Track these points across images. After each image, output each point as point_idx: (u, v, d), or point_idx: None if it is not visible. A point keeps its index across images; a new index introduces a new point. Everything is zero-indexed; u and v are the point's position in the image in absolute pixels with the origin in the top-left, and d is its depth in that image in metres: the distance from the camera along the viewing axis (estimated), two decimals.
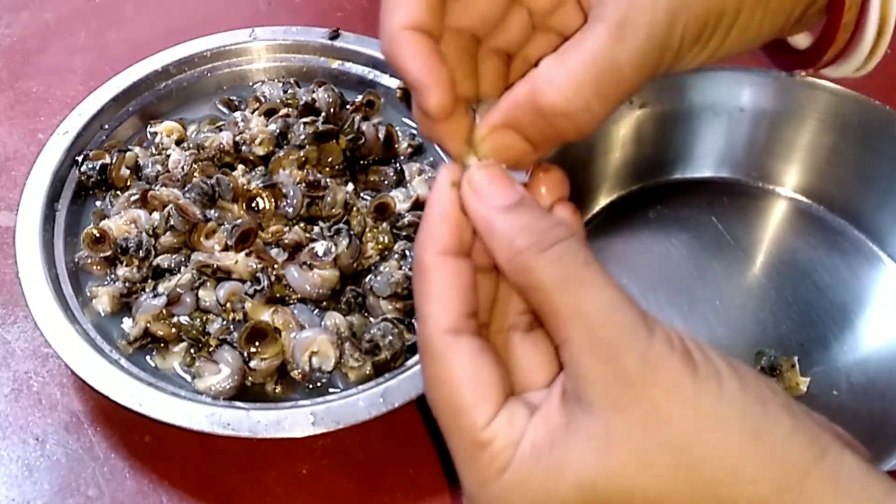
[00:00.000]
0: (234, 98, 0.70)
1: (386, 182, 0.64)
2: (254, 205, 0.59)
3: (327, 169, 0.62)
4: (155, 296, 0.55)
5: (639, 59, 0.28)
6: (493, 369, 0.28)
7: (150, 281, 0.56)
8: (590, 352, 0.26)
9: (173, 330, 0.54)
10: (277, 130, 0.63)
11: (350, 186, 0.62)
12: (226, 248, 0.57)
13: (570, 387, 0.27)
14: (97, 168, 0.62)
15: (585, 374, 0.26)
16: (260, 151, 0.62)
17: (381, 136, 0.65)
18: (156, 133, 0.65)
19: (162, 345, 0.54)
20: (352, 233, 0.57)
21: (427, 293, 0.29)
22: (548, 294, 0.27)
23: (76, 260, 0.58)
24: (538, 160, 0.32)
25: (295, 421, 0.48)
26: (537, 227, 0.28)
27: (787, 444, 0.25)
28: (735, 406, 0.26)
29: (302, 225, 0.59)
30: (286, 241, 0.56)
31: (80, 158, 0.62)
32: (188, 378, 0.53)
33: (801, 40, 0.35)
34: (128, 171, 0.62)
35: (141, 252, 0.56)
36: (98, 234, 0.57)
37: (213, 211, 0.58)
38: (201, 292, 0.55)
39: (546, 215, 0.29)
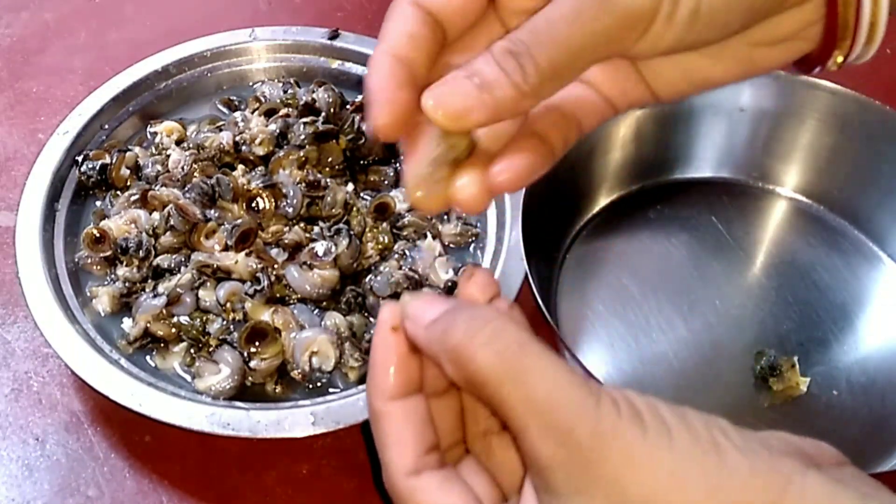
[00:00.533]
0: (234, 98, 0.70)
1: (386, 182, 0.64)
2: (254, 205, 0.59)
3: (327, 169, 0.62)
4: (155, 296, 0.55)
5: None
6: (461, 496, 0.29)
7: (150, 281, 0.56)
8: (544, 438, 0.26)
9: (173, 330, 0.54)
10: (277, 130, 0.63)
11: (350, 186, 0.62)
12: (226, 248, 0.57)
13: (536, 481, 0.28)
14: (97, 168, 0.62)
15: (544, 463, 0.26)
16: (260, 151, 0.62)
17: None
18: (156, 133, 0.65)
19: (162, 345, 0.54)
20: (352, 233, 0.57)
21: (383, 441, 0.30)
22: (493, 387, 0.27)
23: (76, 260, 0.58)
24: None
25: (295, 421, 0.48)
26: (464, 318, 0.28)
27: (748, 488, 0.25)
28: (690, 460, 0.26)
29: (302, 225, 0.59)
30: (286, 241, 0.56)
31: (80, 158, 0.62)
32: (188, 378, 0.53)
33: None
34: (128, 171, 0.62)
35: (141, 252, 0.56)
36: (98, 234, 0.57)
37: (213, 211, 0.58)
38: (201, 292, 0.55)
39: (472, 306, 0.30)
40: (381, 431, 0.31)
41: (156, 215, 0.59)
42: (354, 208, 0.60)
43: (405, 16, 0.31)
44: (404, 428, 0.30)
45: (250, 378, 0.53)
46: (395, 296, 0.55)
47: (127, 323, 0.55)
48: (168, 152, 0.63)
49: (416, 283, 0.56)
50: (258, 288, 0.55)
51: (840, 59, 0.32)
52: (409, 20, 0.31)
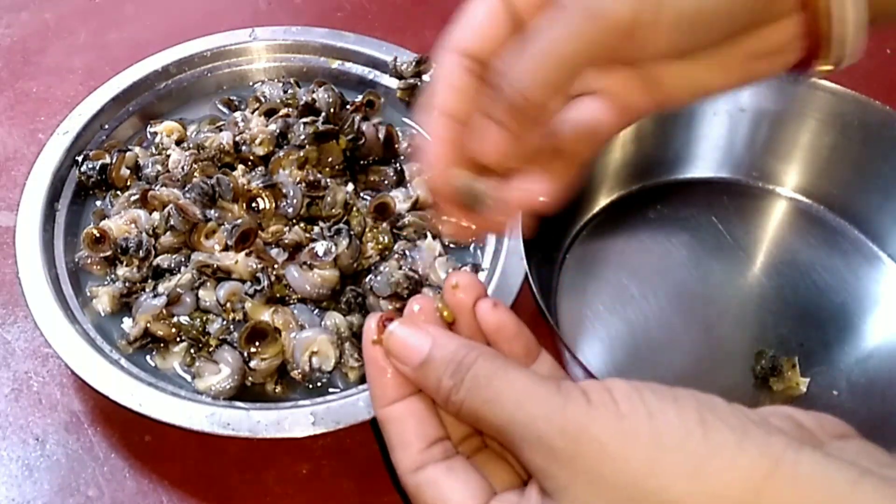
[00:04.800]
0: (234, 98, 0.70)
1: (386, 182, 0.64)
2: (254, 205, 0.59)
3: (327, 169, 0.62)
4: (155, 296, 0.55)
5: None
6: (465, 483, 0.31)
7: (150, 281, 0.56)
8: (528, 449, 0.28)
9: (173, 330, 0.54)
10: (277, 130, 0.63)
11: (350, 186, 0.62)
12: (226, 248, 0.57)
13: (536, 484, 0.29)
14: (97, 168, 0.62)
15: (533, 470, 0.29)
16: (260, 151, 0.62)
17: (381, 136, 0.65)
18: (156, 133, 0.65)
19: (162, 345, 0.54)
20: (352, 233, 0.57)
21: (390, 444, 0.33)
22: (483, 420, 0.30)
23: (76, 260, 0.58)
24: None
25: (295, 421, 0.48)
26: (449, 371, 0.31)
27: (734, 467, 0.26)
28: (670, 443, 0.26)
29: (302, 225, 0.59)
30: (286, 241, 0.56)
31: (80, 158, 0.62)
32: (188, 378, 0.53)
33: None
34: (128, 171, 0.62)
35: (141, 252, 0.56)
36: (98, 234, 0.57)
37: (213, 211, 0.58)
38: (201, 292, 0.55)
39: (455, 352, 0.31)
40: (386, 435, 0.33)
41: (156, 215, 0.59)
42: (354, 208, 0.60)
43: (450, 68, 0.34)
44: (404, 428, 0.32)
45: (250, 378, 0.53)
46: (396, 296, 0.55)
47: (127, 323, 0.55)
48: (168, 152, 0.63)
49: (416, 283, 0.56)
50: (258, 288, 0.55)
51: (826, 66, 0.33)
52: (454, 72, 0.34)
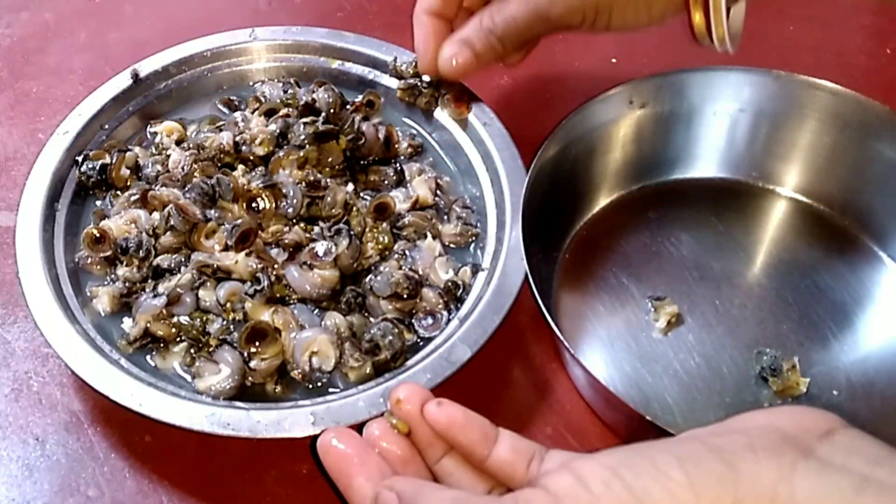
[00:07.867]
0: (234, 98, 0.69)
1: (386, 182, 0.64)
2: (254, 205, 0.59)
3: (327, 169, 0.62)
4: (155, 296, 0.55)
5: None
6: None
7: (150, 281, 0.56)
8: None
9: (173, 330, 0.54)
10: (277, 130, 0.63)
11: (350, 186, 0.62)
12: (226, 248, 0.57)
13: None
14: (97, 168, 0.62)
15: None
16: (260, 151, 0.62)
17: (381, 136, 0.65)
18: (156, 133, 0.65)
19: (162, 345, 0.54)
20: (352, 233, 0.57)
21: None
22: None
23: (76, 260, 0.58)
24: None
25: (295, 421, 0.48)
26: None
27: None
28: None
29: (302, 225, 0.59)
30: (286, 241, 0.56)
31: (80, 158, 0.62)
32: (188, 378, 0.53)
33: None
34: (128, 171, 0.62)
35: (141, 252, 0.56)
36: (98, 234, 0.57)
37: (213, 211, 0.58)
38: (201, 292, 0.55)
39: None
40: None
41: (156, 215, 0.59)
42: (354, 208, 0.60)
43: None
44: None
45: (250, 378, 0.53)
46: (396, 296, 0.55)
47: (127, 323, 0.55)
48: (168, 152, 0.63)
49: (416, 283, 0.56)
50: (258, 288, 0.55)
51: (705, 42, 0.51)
52: None
